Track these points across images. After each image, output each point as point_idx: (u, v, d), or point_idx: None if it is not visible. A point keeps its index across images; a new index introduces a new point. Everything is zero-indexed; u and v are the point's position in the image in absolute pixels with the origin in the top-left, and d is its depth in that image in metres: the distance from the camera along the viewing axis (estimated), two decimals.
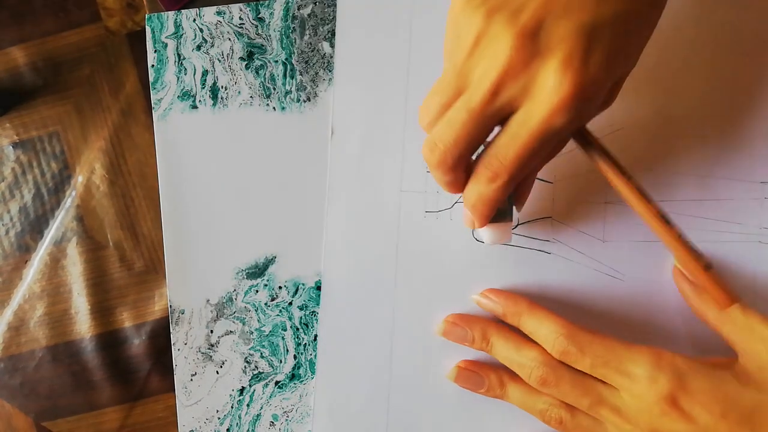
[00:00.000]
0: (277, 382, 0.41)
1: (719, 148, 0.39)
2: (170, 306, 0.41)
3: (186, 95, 0.41)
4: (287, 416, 0.41)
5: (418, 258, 0.40)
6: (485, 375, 0.38)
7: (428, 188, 0.40)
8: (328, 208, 0.40)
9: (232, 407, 0.41)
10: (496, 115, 0.29)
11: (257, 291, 0.41)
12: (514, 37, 0.28)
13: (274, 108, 0.41)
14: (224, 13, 0.41)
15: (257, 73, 0.41)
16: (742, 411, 0.32)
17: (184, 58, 0.41)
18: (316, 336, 0.41)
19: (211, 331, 0.41)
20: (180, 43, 0.41)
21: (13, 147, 0.42)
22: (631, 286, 0.39)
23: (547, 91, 0.28)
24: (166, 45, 0.41)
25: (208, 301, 0.41)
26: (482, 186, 0.32)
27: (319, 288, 0.41)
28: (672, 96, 0.39)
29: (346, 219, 0.40)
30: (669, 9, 0.33)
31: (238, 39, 0.41)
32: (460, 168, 0.31)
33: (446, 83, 0.30)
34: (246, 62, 0.41)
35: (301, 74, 0.41)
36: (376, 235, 0.40)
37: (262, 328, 0.41)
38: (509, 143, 0.30)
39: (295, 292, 0.41)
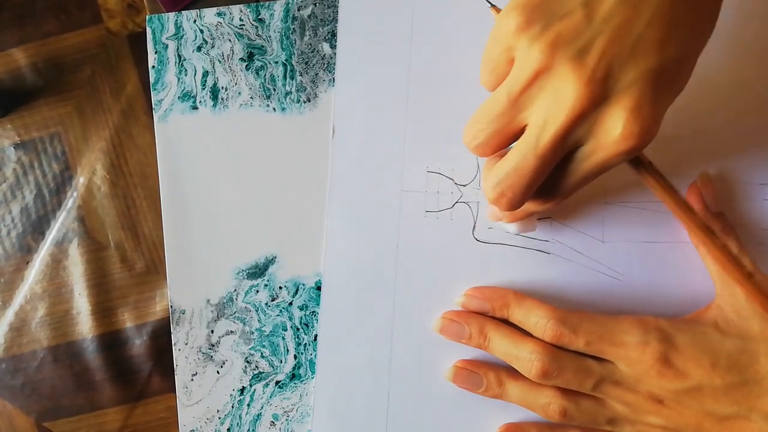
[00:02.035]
0: (277, 382, 0.41)
1: (719, 150, 0.39)
2: (171, 306, 0.41)
3: (186, 96, 0.41)
4: (288, 416, 0.41)
5: (418, 258, 0.40)
6: (483, 374, 0.38)
7: (429, 188, 0.40)
8: (329, 208, 0.41)
9: (232, 407, 0.41)
10: (561, 155, 0.29)
11: (258, 291, 0.41)
12: (584, 84, 0.27)
13: (274, 109, 0.41)
14: (225, 15, 0.41)
15: (257, 74, 0.41)
16: (728, 359, 0.34)
17: (185, 59, 0.41)
18: (316, 336, 0.41)
19: (212, 331, 0.41)
20: (180, 44, 0.41)
21: (14, 148, 0.42)
22: (629, 286, 0.39)
23: (615, 137, 0.28)
24: (167, 46, 0.41)
25: (208, 301, 0.41)
26: (532, 206, 0.33)
27: (319, 288, 0.41)
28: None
29: (347, 218, 0.40)
30: None
31: (238, 40, 0.41)
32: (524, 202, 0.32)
33: (499, 111, 0.30)
34: (246, 63, 0.41)
35: (301, 75, 0.41)
36: (376, 235, 0.40)
37: (262, 328, 0.41)
38: (569, 175, 0.30)
39: (296, 292, 0.41)
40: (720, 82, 0.39)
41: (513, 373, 0.38)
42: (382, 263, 0.40)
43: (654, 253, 0.39)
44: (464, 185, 0.40)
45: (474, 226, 0.40)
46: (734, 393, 0.34)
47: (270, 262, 0.41)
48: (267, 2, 0.41)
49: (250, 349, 0.41)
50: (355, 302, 0.40)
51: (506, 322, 0.38)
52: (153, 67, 0.41)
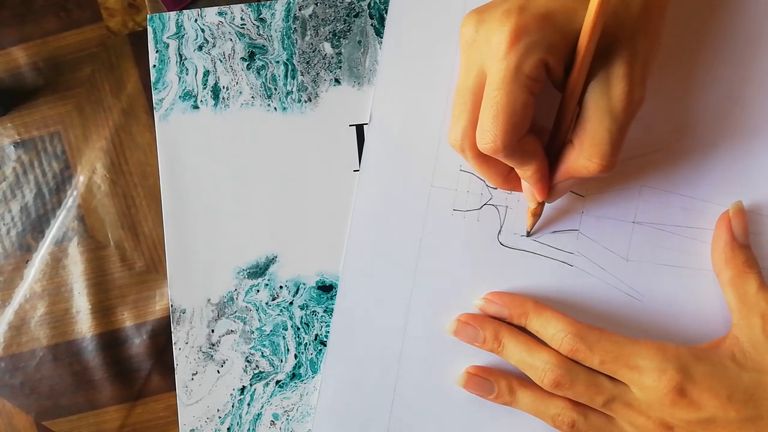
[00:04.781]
0: (277, 382, 0.41)
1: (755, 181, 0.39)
2: (171, 305, 0.41)
3: (187, 95, 0.41)
4: (288, 415, 0.41)
5: (440, 255, 0.40)
6: (495, 381, 0.38)
7: (459, 187, 0.40)
8: (357, 194, 0.40)
9: (232, 406, 0.41)
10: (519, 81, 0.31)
11: (258, 290, 0.41)
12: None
13: (275, 108, 0.41)
14: (226, 14, 0.41)
15: (258, 73, 0.41)
16: (744, 392, 0.34)
17: (186, 59, 0.41)
18: (316, 335, 0.41)
19: (212, 331, 0.41)
20: (181, 44, 0.41)
21: (14, 147, 0.42)
22: (648, 308, 0.39)
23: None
24: (168, 45, 0.41)
25: (209, 300, 0.41)
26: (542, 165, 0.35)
27: (320, 287, 0.41)
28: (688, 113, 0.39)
29: (374, 207, 0.40)
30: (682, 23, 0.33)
31: (239, 39, 0.41)
32: None
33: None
34: (247, 62, 0.41)
35: (302, 75, 0.41)
36: (401, 227, 0.40)
37: (263, 328, 0.41)
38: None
39: (296, 292, 0.41)
40: (723, 87, 0.39)
41: (524, 381, 0.38)
42: (403, 257, 0.40)
43: (675, 278, 0.39)
44: (495, 188, 0.40)
45: (500, 230, 0.40)
46: (749, 427, 0.34)
47: (271, 261, 0.41)
48: (268, 2, 0.41)
49: (250, 348, 0.41)
50: (372, 294, 0.40)
51: (522, 330, 0.38)
52: (154, 66, 0.41)
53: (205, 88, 0.41)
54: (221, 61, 0.41)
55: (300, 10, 0.41)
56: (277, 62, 0.41)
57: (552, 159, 0.35)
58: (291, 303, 0.41)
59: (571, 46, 0.31)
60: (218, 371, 0.41)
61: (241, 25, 0.41)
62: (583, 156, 0.32)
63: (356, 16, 0.41)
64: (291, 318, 0.41)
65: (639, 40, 0.31)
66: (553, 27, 0.30)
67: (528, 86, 0.31)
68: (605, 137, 0.31)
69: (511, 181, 0.36)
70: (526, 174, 0.34)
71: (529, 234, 0.39)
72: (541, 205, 0.37)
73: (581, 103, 0.32)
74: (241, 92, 0.41)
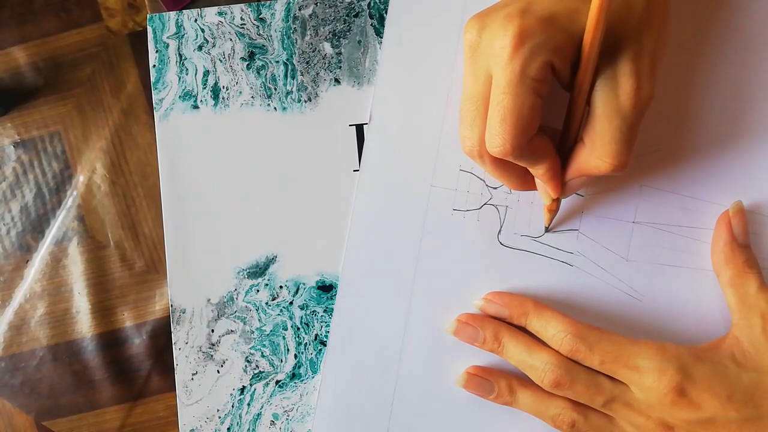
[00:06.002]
0: (277, 382, 0.41)
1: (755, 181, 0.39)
2: (171, 305, 0.41)
3: (187, 95, 0.41)
4: (288, 415, 0.41)
5: (440, 255, 0.40)
6: (495, 381, 0.38)
7: (459, 186, 0.40)
8: (357, 194, 0.40)
9: (232, 406, 0.41)
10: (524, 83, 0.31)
11: (258, 290, 0.41)
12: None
13: (275, 108, 0.41)
14: (225, 14, 0.41)
15: (258, 73, 0.41)
16: (744, 392, 0.34)
17: (186, 59, 0.41)
18: (316, 335, 0.41)
19: (212, 331, 0.41)
20: (181, 44, 0.41)
21: (14, 147, 0.42)
22: (648, 308, 0.39)
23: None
24: (168, 45, 0.41)
25: (209, 300, 0.41)
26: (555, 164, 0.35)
27: (320, 287, 0.41)
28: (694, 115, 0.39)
29: (374, 207, 0.40)
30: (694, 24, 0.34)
31: (239, 39, 0.41)
32: None
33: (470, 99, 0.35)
34: (247, 62, 0.41)
35: (302, 74, 0.41)
36: (401, 227, 0.40)
37: (262, 328, 0.41)
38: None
39: (296, 292, 0.41)
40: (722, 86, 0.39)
41: (524, 381, 0.38)
42: (403, 257, 0.40)
43: (675, 278, 0.39)
44: (495, 188, 0.40)
45: (500, 230, 0.40)
46: (748, 427, 0.34)
47: (270, 261, 0.41)
48: (268, 2, 0.41)
49: (250, 348, 0.41)
50: (372, 295, 0.40)
51: (523, 330, 0.38)
52: (154, 66, 0.41)
53: (205, 88, 0.41)
54: (221, 61, 0.41)
55: (300, 10, 0.41)
56: (277, 62, 0.41)
57: (564, 157, 0.35)
58: (291, 303, 0.41)
59: (577, 46, 0.31)
60: (218, 371, 0.41)
61: (241, 25, 0.41)
62: (595, 155, 0.32)
63: (356, 16, 0.41)
64: (291, 318, 0.41)
65: (644, 36, 0.31)
66: (556, 28, 0.30)
67: (534, 89, 0.31)
68: (616, 136, 0.31)
69: (528, 182, 0.36)
70: (539, 173, 0.34)
71: (547, 230, 0.39)
72: (556, 201, 0.37)
73: (590, 102, 0.32)
74: (241, 92, 0.41)
